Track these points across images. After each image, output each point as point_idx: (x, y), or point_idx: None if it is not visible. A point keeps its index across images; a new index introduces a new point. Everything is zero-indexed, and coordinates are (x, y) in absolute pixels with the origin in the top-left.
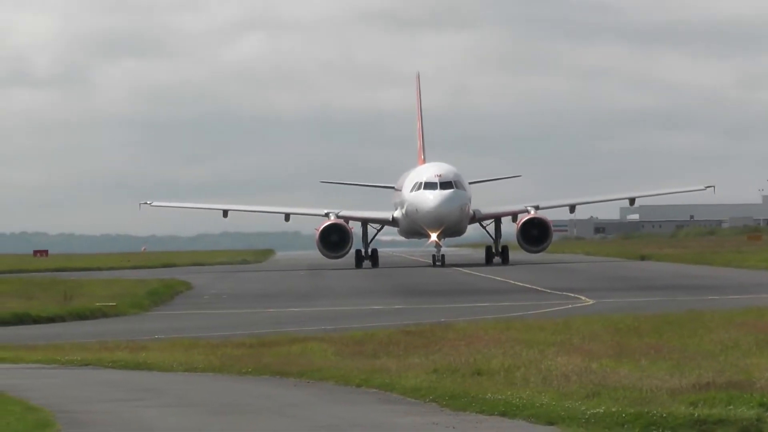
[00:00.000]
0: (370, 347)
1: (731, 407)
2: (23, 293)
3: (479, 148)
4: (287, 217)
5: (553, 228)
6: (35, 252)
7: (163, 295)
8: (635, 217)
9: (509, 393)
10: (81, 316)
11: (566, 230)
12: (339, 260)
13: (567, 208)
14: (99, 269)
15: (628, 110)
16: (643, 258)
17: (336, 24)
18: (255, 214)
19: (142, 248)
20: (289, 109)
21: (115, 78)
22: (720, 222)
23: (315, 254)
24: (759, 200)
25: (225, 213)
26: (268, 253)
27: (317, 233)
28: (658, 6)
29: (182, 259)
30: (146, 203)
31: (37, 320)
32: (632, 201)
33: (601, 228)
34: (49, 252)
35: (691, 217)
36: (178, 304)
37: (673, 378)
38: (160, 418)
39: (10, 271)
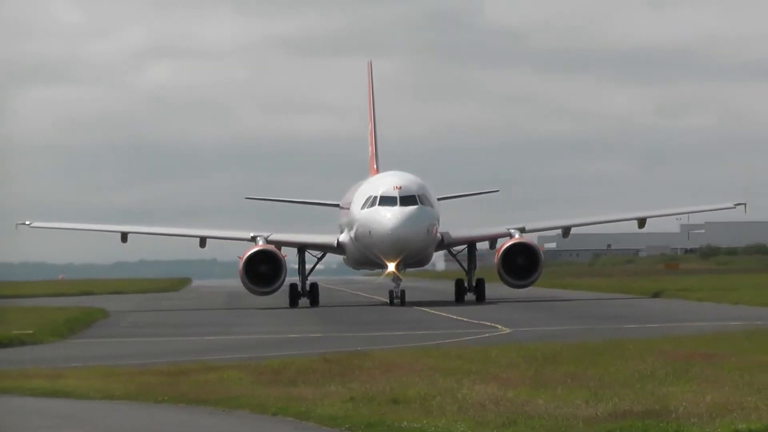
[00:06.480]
0: (287, 375)
1: None
2: None
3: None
4: (202, 242)
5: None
6: None
7: (80, 323)
8: (552, 245)
9: (425, 422)
10: None
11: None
12: (269, 297)
13: (560, 231)
14: (17, 297)
15: (544, 138)
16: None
17: (248, 50)
18: (173, 240)
19: (60, 276)
20: (205, 135)
21: (28, 105)
22: (637, 251)
23: (235, 283)
24: (677, 229)
25: (124, 237)
26: (185, 281)
27: (241, 262)
28: (571, 33)
29: (100, 287)
30: (24, 224)
31: None
32: (642, 222)
33: None
34: None
35: (609, 246)
36: (95, 332)
37: (589, 407)
38: None
39: None
